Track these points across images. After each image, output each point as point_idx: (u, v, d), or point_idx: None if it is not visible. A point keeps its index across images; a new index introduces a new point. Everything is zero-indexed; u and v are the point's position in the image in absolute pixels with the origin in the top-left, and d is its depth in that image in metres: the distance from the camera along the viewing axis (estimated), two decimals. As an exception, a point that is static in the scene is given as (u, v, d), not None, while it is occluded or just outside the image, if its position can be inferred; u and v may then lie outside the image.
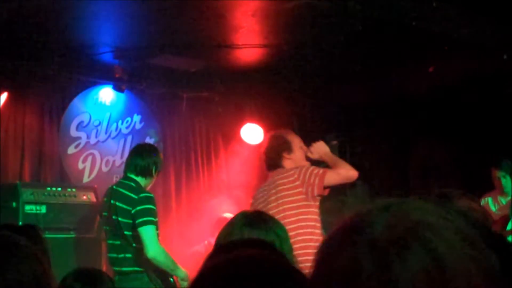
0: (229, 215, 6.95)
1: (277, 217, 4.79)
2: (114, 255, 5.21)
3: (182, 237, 7.63)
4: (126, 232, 5.10)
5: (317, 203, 4.84)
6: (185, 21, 6.03)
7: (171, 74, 7.62)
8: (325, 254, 0.98)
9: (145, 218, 5.01)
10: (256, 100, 8.43)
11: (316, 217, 4.85)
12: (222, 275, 1.24)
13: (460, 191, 3.07)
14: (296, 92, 8.20)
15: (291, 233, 2.88)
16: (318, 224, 4.84)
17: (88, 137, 7.45)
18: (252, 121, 8.47)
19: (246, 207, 8.09)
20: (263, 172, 8.65)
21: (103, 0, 5.55)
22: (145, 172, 5.30)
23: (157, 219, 5.10)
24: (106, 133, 7.60)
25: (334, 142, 5.24)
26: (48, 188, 6.42)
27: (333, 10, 5.65)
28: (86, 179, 7.34)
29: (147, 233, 4.98)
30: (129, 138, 7.77)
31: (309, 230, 4.75)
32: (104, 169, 7.52)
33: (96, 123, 7.54)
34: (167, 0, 5.57)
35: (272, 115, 8.60)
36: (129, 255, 5.13)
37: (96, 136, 7.51)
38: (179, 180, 8.16)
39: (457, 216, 0.96)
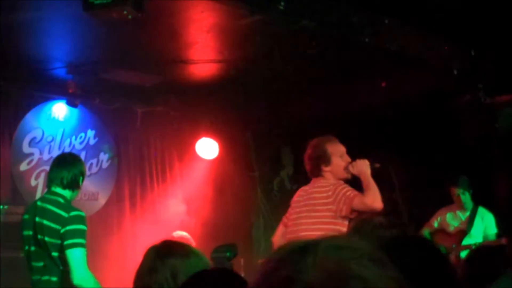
0: (181, 233, 6.92)
1: (307, 228, 4.93)
2: (37, 277, 4.69)
3: (136, 253, 7.56)
4: (53, 254, 4.62)
5: (345, 223, 4.83)
6: (140, 36, 6.02)
7: (125, 89, 7.58)
8: None
9: (74, 240, 4.54)
10: (211, 115, 8.44)
11: None
12: None
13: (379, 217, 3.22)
14: (251, 107, 8.23)
15: None
16: None
17: (41, 153, 7.34)
18: (207, 135, 8.46)
19: (200, 220, 8.12)
20: (217, 186, 8.70)
21: (56, 15, 5.50)
22: (72, 185, 4.82)
23: (85, 241, 4.59)
24: (59, 149, 7.49)
25: (377, 165, 5.26)
26: (1, 206, 6.30)
27: (287, 27, 5.70)
28: (39, 196, 7.21)
29: (75, 257, 4.50)
30: (83, 153, 7.67)
31: None
32: (58, 185, 7.40)
33: (49, 139, 7.44)
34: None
35: (227, 130, 8.62)
36: (54, 278, 4.65)
37: (49, 152, 7.39)
38: (133, 195, 8.09)
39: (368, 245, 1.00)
